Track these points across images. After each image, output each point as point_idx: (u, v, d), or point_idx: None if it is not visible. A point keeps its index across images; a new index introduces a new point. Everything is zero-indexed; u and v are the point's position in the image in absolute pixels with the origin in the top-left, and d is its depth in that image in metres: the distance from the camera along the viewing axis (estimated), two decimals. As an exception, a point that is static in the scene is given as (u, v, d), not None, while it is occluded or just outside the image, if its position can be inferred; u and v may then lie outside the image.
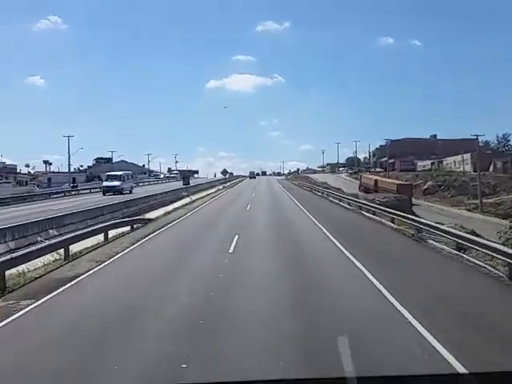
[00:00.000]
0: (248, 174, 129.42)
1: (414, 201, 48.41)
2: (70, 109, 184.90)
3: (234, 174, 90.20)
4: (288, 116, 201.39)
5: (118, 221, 18.15)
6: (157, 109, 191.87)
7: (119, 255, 12.83)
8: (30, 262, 10.55)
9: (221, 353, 5.67)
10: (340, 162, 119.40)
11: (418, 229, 15.25)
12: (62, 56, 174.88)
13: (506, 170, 57.23)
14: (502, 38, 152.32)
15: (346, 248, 12.86)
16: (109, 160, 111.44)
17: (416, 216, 24.68)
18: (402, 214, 18.63)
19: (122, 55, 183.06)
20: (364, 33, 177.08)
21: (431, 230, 14.26)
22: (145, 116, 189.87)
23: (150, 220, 21.08)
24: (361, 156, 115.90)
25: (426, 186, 56.97)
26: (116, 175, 42.46)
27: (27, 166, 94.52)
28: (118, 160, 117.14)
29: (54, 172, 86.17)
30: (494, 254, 9.90)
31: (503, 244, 12.24)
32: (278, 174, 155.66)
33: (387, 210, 20.99)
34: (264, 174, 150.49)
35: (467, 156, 64.32)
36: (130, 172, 47.72)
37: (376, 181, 56.72)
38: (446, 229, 13.72)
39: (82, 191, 47.16)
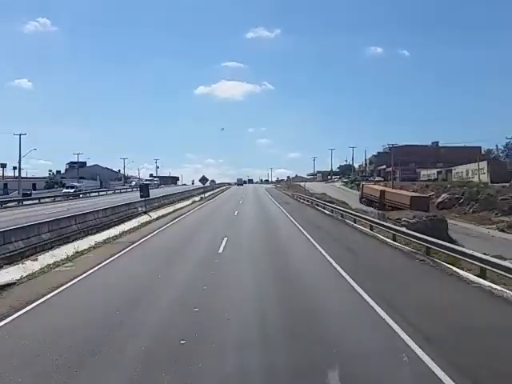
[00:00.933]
0: (235, 181, 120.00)
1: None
2: (57, 112, 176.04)
3: (218, 182, 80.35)
4: (276, 123, 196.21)
5: None
6: (144, 114, 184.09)
7: None
8: None
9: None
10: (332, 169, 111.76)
11: None
12: (50, 59, 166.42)
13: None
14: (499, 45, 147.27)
15: None
16: (82, 164, 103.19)
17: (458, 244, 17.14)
18: (466, 251, 11.70)
19: (110, 59, 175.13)
20: (353, 41, 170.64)
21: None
22: (130, 121, 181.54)
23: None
24: (356, 164, 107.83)
25: (440, 199, 48.22)
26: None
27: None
28: (92, 164, 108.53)
29: (12, 178, 75.08)
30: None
31: None
32: (266, 181, 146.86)
33: (445, 244, 13.14)
34: (251, 181, 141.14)
35: (483, 164, 56.08)
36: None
37: (383, 192, 47.23)
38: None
39: (31, 201, 41.35)
